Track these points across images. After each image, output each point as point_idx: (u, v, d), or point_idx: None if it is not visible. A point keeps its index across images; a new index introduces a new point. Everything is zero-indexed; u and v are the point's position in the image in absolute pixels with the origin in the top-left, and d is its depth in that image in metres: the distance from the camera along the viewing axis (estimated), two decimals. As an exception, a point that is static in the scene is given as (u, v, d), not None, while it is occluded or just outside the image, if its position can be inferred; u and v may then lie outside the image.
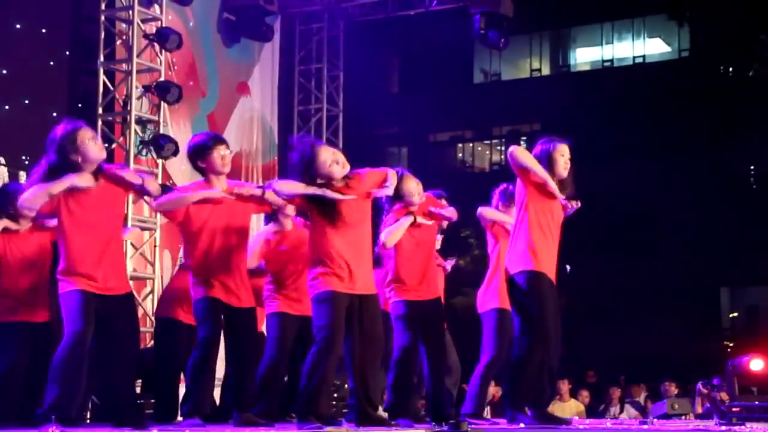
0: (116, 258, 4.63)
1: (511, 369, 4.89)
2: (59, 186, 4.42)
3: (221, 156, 4.79)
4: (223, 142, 4.85)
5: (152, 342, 7.24)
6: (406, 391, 5.23)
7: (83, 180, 4.45)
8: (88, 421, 5.83)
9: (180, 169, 9.59)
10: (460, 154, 22.30)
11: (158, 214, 9.22)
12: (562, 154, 5.00)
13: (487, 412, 7.73)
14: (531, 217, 4.85)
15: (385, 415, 4.90)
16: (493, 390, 9.70)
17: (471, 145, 22.23)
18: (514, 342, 4.92)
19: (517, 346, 4.82)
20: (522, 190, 4.91)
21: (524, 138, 20.63)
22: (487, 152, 22.20)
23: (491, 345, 5.40)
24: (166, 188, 6.37)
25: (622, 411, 10.56)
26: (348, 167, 4.65)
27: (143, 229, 9.32)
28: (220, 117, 10.69)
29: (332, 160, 4.61)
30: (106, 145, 9.23)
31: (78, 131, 4.52)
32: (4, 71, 8.15)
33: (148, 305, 9.21)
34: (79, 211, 4.49)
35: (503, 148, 21.93)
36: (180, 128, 9.93)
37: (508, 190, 5.58)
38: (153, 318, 8.85)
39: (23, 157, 8.13)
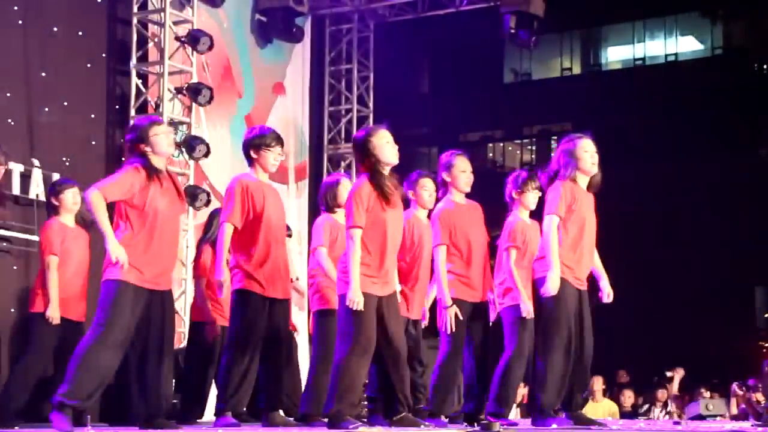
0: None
1: (534, 373, 4.91)
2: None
3: (274, 156, 4.93)
4: (282, 144, 5.02)
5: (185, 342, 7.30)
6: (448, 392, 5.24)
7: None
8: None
9: (216, 170, 9.67)
10: (491, 154, 22.23)
11: (190, 216, 9.29)
12: (586, 150, 4.95)
13: (516, 413, 7.68)
14: (559, 225, 4.85)
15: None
16: (523, 391, 9.65)
17: (501, 144, 22.15)
18: (535, 344, 4.96)
19: (537, 350, 4.86)
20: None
21: (554, 137, 20.52)
22: (518, 152, 22.11)
23: (509, 342, 5.38)
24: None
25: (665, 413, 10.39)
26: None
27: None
28: (257, 118, 10.76)
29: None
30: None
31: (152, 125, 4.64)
32: (43, 74, 8.25)
33: (180, 305, 9.26)
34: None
35: (534, 148, 21.85)
36: (216, 129, 10.01)
37: (520, 177, 5.53)
38: (184, 317, 8.92)
39: (63, 158, 8.22)
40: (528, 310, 5.18)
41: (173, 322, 4.77)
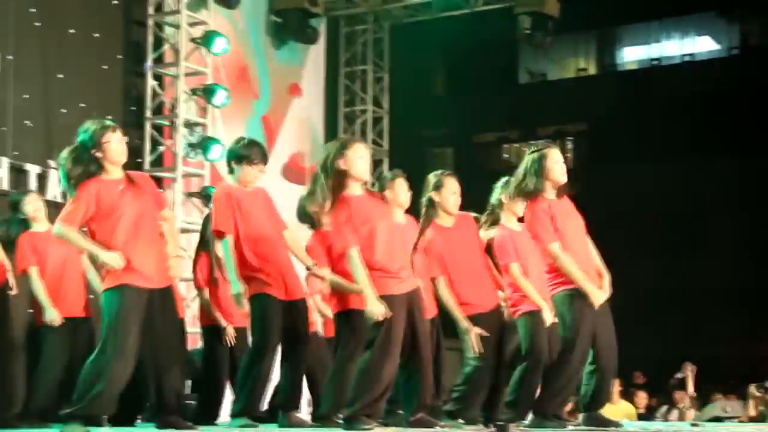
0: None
1: (545, 377, 4.97)
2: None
3: (255, 174, 4.88)
4: (265, 161, 4.93)
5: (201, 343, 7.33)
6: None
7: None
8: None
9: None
10: (506, 155, 22.17)
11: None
12: (556, 161, 4.90)
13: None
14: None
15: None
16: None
17: (516, 145, 22.09)
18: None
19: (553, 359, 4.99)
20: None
21: (571, 138, 20.45)
22: (533, 153, 22.05)
23: (526, 348, 5.36)
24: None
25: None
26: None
27: (191, 231, 9.42)
28: (274, 119, 10.79)
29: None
30: (160, 147, 9.39)
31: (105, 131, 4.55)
32: (60, 75, 8.28)
33: (195, 306, 9.28)
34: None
35: (549, 149, 21.78)
36: (233, 130, 10.05)
37: (509, 183, 5.43)
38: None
39: None
40: (549, 317, 5.16)
41: (177, 318, 4.79)
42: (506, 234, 5.33)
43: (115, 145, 4.52)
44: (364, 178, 4.53)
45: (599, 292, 4.86)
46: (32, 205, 5.99)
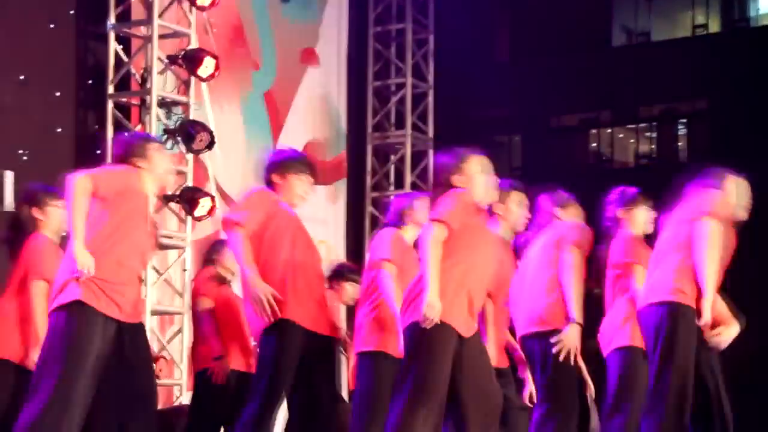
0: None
1: None
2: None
3: (304, 188, 5.30)
4: (314, 175, 5.37)
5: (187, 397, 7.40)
6: None
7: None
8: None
9: (225, 167, 9.76)
10: (594, 144, 22.10)
11: (188, 228, 9.39)
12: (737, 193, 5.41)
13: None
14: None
15: None
16: None
17: (609, 131, 22.01)
18: None
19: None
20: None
21: (684, 121, 20.31)
22: (632, 140, 21.96)
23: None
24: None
25: None
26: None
27: (167, 247, 9.50)
28: (280, 96, 10.87)
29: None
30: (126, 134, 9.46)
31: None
32: (-11, 39, 8.41)
33: (175, 348, 9.37)
34: None
35: (654, 135, 21.69)
36: (224, 112, 10.11)
37: (626, 194, 6.05)
38: (181, 367, 9.02)
39: (19, 152, 8.35)
40: None
41: (150, 359, 5.02)
42: (633, 236, 6.01)
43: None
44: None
45: None
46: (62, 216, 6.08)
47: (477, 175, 5.04)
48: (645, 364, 5.45)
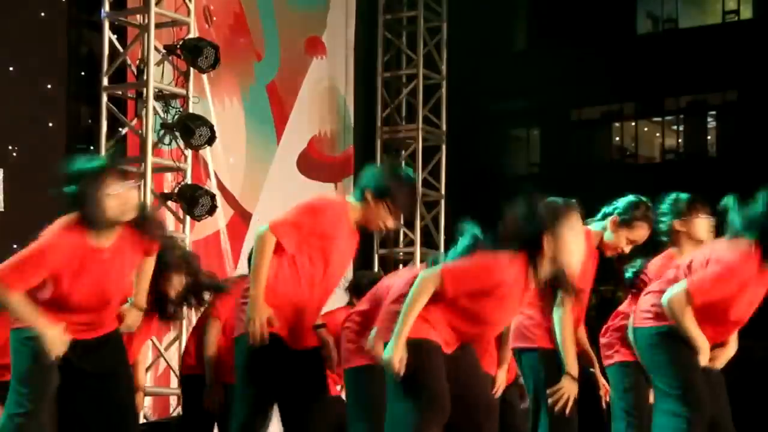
0: None
1: None
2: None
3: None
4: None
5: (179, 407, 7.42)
6: None
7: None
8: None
9: (227, 163, 9.76)
10: (617, 138, 22.09)
11: (187, 228, 9.40)
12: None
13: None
14: None
15: None
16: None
17: (633, 124, 21.99)
18: None
19: None
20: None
21: (713, 113, 20.28)
22: (657, 134, 21.94)
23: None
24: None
25: None
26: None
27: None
28: (284, 88, 10.87)
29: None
30: (121, 129, 9.49)
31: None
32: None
33: (173, 356, 9.38)
34: None
35: (681, 129, 21.66)
36: (224, 105, 10.11)
37: (680, 201, 5.81)
38: (178, 375, 9.03)
39: (9, 147, 8.36)
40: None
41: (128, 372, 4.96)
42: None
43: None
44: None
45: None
46: None
47: None
48: None
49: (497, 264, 4.58)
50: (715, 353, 5.28)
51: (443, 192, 12.30)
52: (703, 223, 5.76)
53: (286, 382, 5.05)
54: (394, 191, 5.09)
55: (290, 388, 5.08)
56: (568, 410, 5.36)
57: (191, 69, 9.52)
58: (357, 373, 5.50)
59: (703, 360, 5.15)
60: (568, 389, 5.35)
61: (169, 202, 9.51)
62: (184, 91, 9.60)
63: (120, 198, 4.59)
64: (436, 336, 4.69)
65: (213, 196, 9.39)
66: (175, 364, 9.32)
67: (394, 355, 4.56)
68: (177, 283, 5.62)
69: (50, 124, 8.93)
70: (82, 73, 9.42)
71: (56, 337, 4.50)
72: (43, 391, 4.59)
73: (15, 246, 6.09)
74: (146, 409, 8.86)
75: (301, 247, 5.00)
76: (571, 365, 5.37)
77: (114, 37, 9.46)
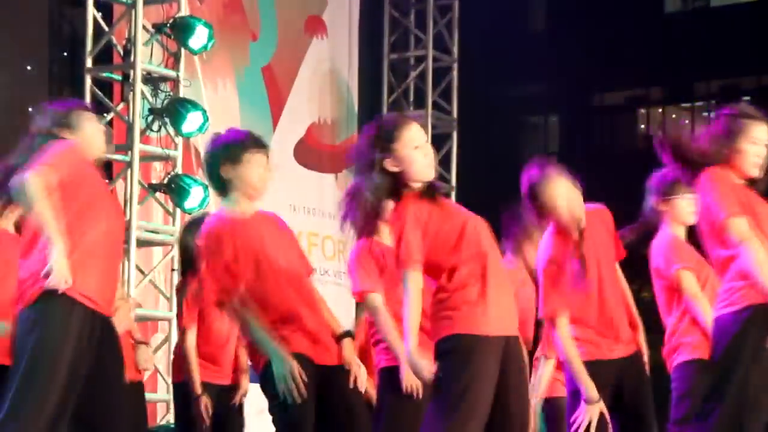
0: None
1: None
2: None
3: (259, 170, 4.93)
4: (267, 151, 5.01)
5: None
6: None
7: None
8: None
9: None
10: (643, 125, 22.13)
11: (177, 221, 9.40)
12: (756, 141, 5.08)
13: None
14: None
15: None
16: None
17: (660, 110, 22.03)
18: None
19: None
20: None
21: (747, 98, 20.24)
22: (686, 121, 21.96)
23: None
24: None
25: None
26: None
27: (153, 244, 9.50)
28: (282, 71, 10.87)
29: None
30: (106, 114, 9.49)
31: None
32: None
33: (161, 360, 9.38)
34: None
35: (712, 115, 21.66)
36: (217, 89, 10.10)
37: (666, 179, 5.71)
38: (167, 381, 9.02)
39: None
40: None
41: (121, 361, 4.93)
42: (676, 237, 5.84)
43: None
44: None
45: None
46: None
47: None
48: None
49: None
50: None
51: (454, 183, 12.29)
52: (685, 203, 5.73)
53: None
54: (234, 149, 4.98)
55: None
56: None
57: (182, 50, 9.52)
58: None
59: None
60: (589, 413, 5.32)
61: (158, 194, 9.51)
62: (174, 74, 9.59)
63: None
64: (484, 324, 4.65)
65: (205, 187, 9.37)
66: (162, 368, 9.31)
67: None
68: None
69: (30, 109, 8.93)
70: (64, 54, 9.43)
71: None
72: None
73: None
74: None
75: None
76: (588, 390, 5.32)
77: (98, 15, 9.46)
